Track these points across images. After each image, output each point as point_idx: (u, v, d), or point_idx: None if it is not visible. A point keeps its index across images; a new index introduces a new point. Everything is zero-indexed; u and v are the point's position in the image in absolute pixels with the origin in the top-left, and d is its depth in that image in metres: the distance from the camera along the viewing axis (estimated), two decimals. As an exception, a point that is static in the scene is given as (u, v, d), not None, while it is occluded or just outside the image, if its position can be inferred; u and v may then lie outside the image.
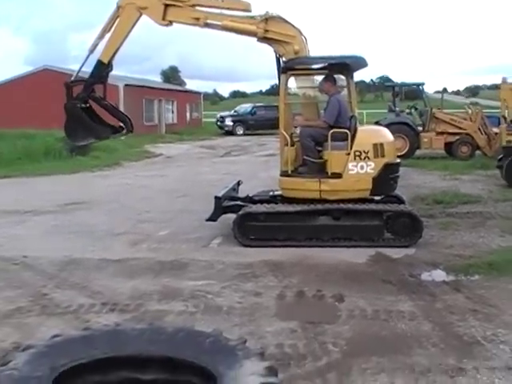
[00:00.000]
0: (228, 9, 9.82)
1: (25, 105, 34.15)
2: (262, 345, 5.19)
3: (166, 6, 9.77)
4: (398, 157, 22.34)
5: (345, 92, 10.21)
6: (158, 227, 10.65)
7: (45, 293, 6.89)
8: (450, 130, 22.42)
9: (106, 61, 10.02)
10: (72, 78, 10.36)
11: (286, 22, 9.67)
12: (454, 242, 9.29)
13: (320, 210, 9.18)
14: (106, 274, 7.77)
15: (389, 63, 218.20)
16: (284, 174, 9.61)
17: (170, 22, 9.95)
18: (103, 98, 10.37)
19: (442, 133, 22.41)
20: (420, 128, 22.85)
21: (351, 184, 9.22)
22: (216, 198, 9.77)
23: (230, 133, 43.11)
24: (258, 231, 9.28)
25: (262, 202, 9.81)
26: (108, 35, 10.08)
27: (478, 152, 22.07)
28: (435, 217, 11.19)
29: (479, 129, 22.02)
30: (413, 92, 27.69)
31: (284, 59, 9.71)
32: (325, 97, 10.07)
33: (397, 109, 23.38)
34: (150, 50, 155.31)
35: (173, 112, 48.30)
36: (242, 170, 18.73)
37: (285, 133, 9.49)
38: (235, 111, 47.74)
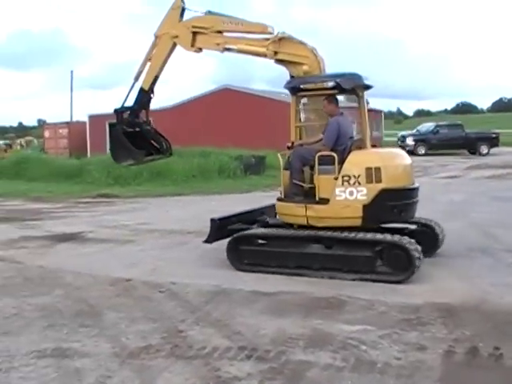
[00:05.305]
0: (248, 32, 9.91)
1: (203, 123, 34.51)
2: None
3: (195, 33, 10.18)
4: None
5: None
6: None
7: (181, 329, 6.31)
8: None
9: (146, 88, 10.63)
10: (120, 105, 10.90)
11: (299, 41, 9.45)
12: None
13: (310, 236, 8.72)
14: (253, 309, 7.05)
15: None
16: (279, 198, 9.35)
17: (200, 49, 10.34)
18: (146, 122, 11.01)
19: None
20: None
21: (338, 211, 8.49)
22: (212, 220, 9.65)
23: (412, 152, 41.23)
24: (252, 256, 9.03)
25: (276, 226, 9.44)
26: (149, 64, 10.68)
27: None
28: None
29: None
30: None
31: None
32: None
33: None
34: (337, 68, 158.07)
35: (352, 130, 47.41)
36: (420, 192, 17.43)
37: (280, 156, 9.19)
38: (417, 130, 46.00)
